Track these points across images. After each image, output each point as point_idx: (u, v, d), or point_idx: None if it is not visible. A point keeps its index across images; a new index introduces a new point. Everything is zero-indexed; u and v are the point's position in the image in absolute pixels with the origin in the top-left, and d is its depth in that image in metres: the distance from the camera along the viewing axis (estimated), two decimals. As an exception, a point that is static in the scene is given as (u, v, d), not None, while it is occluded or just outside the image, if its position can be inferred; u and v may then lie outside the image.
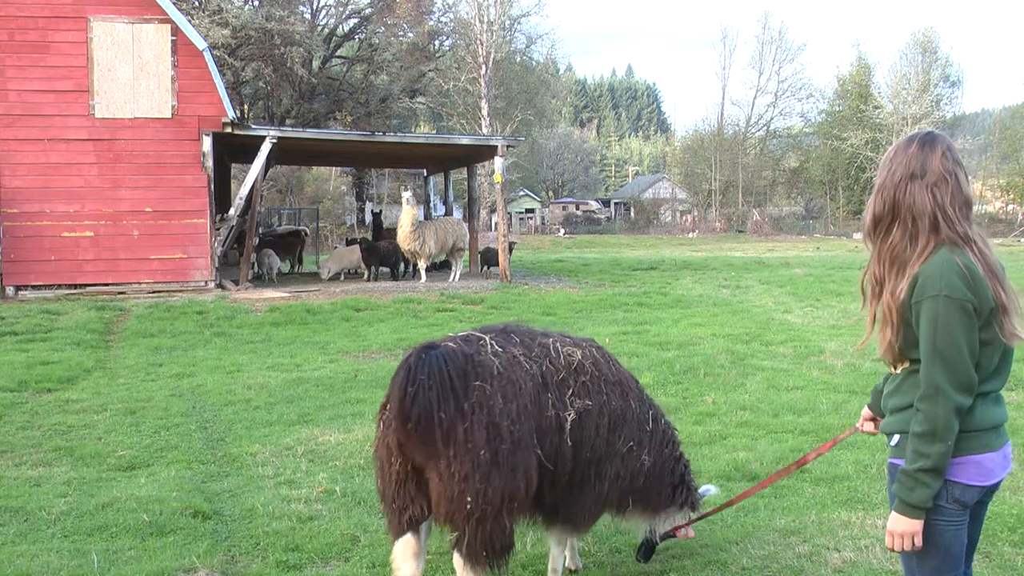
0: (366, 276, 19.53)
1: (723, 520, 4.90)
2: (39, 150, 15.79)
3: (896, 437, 2.68)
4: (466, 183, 24.24)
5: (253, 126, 18.52)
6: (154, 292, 15.99)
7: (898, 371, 2.69)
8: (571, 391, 3.73)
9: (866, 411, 3.07)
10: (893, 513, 2.58)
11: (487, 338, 3.69)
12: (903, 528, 2.55)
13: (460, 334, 3.79)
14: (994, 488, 2.68)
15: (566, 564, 4.24)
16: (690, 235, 48.71)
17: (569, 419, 3.68)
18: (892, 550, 2.63)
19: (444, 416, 3.38)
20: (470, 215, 23.35)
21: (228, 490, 5.63)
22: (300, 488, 5.58)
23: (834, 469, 5.78)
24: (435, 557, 4.35)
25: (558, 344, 3.84)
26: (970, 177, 2.71)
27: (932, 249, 2.54)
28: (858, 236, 44.48)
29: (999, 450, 2.61)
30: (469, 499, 3.38)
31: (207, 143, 16.25)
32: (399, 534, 3.65)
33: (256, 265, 19.47)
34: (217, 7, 28.44)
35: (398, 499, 3.60)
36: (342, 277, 19.93)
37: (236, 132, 16.52)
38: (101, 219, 16.01)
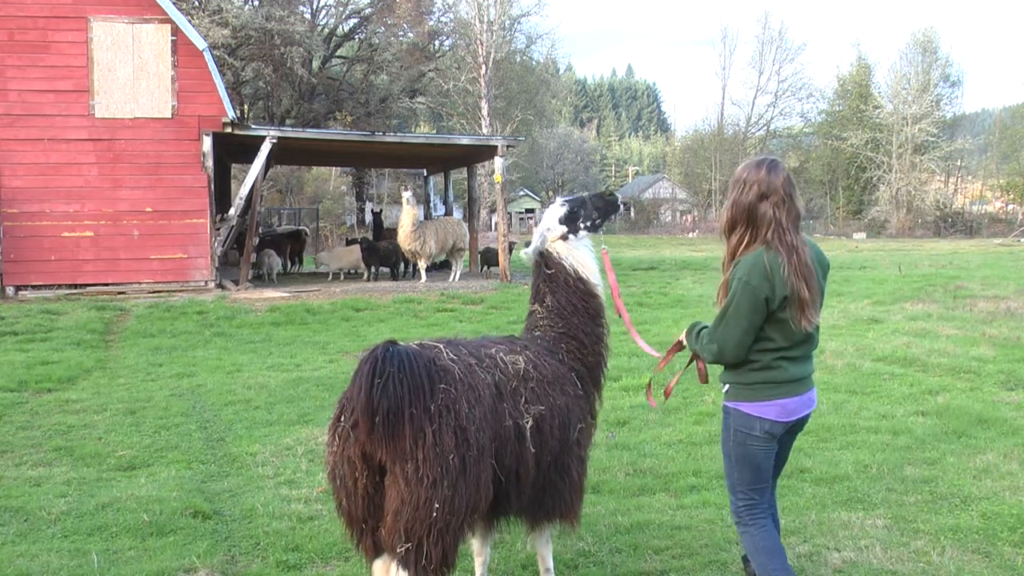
0: (366, 276, 19.51)
1: (723, 520, 4.90)
2: (39, 150, 15.78)
3: (727, 386, 3.57)
4: (466, 183, 24.23)
5: (253, 126, 18.50)
6: (154, 292, 15.99)
7: None
8: (524, 398, 3.65)
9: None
10: (685, 337, 3.71)
11: (440, 346, 3.54)
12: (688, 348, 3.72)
13: (413, 342, 3.61)
14: (800, 424, 3.60)
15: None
16: (690, 235, 48.70)
17: (528, 427, 3.60)
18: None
19: (415, 412, 3.15)
20: (470, 215, 23.34)
21: (228, 490, 5.63)
22: (300, 488, 5.58)
23: (834, 469, 5.78)
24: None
25: (501, 353, 3.75)
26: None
27: (755, 247, 3.38)
28: (859, 236, 44.56)
29: (803, 395, 3.51)
30: (437, 506, 3.15)
31: (207, 143, 16.25)
32: (375, 554, 3.43)
33: (256, 265, 19.47)
34: (217, 7, 28.39)
35: (370, 518, 3.34)
36: (342, 277, 19.94)
37: (236, 132, 16.52)
38: (101, 219, 16.01)
